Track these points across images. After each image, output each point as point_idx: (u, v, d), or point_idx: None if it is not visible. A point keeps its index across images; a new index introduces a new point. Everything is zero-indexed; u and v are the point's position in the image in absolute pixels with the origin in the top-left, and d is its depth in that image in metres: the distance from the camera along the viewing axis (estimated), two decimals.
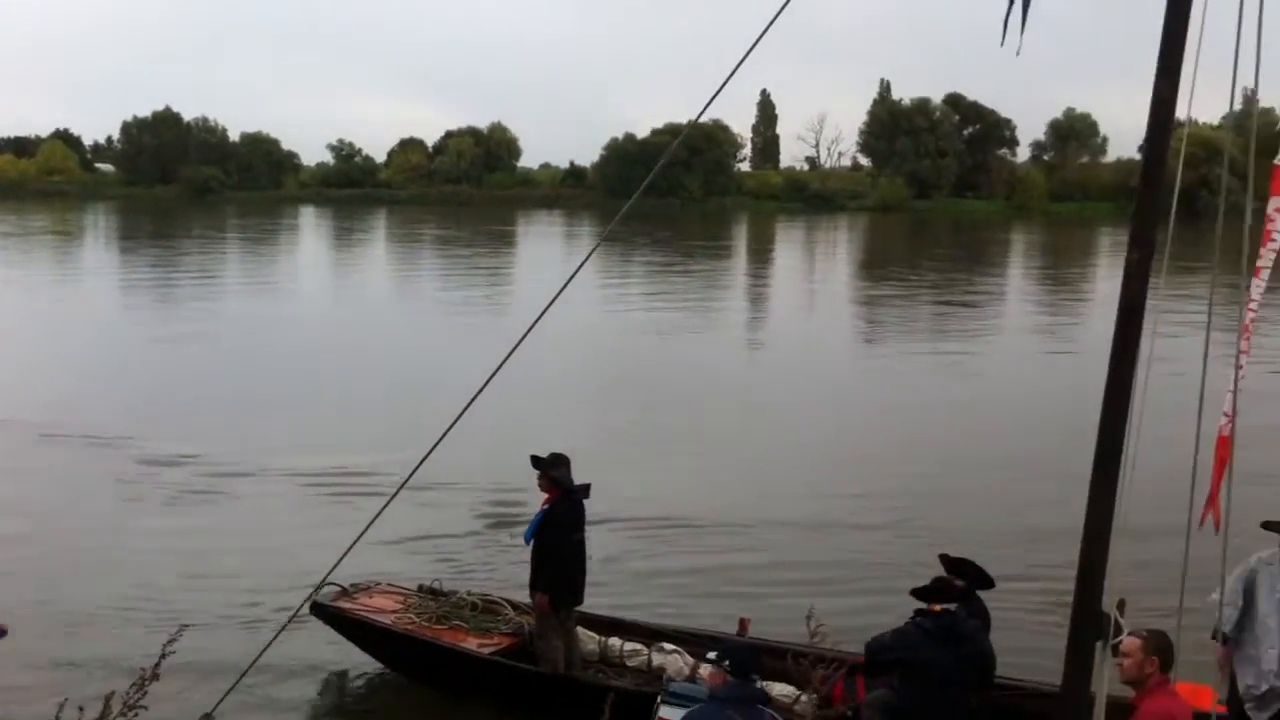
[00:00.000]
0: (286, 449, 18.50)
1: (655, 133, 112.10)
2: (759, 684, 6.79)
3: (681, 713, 6.92)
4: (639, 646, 9.94)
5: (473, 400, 5.41)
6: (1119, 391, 4.31)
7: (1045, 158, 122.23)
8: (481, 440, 15.51)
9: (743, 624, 9.97)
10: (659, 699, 7.55)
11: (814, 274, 57.65)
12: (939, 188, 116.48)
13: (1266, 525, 7.92)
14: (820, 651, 7.91)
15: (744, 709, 6.23)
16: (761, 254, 70.25)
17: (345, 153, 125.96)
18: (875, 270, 57.08)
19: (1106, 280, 46.65)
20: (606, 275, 46.66)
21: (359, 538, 5.97)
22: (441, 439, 5.44)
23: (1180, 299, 30.51)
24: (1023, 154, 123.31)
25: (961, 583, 8.12)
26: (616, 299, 39.67)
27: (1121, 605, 5.01)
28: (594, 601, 10.54)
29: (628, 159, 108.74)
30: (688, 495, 16.35)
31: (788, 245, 78.46)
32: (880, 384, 26.08)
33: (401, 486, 5.82)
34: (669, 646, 9.81)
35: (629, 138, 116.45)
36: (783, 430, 20.87)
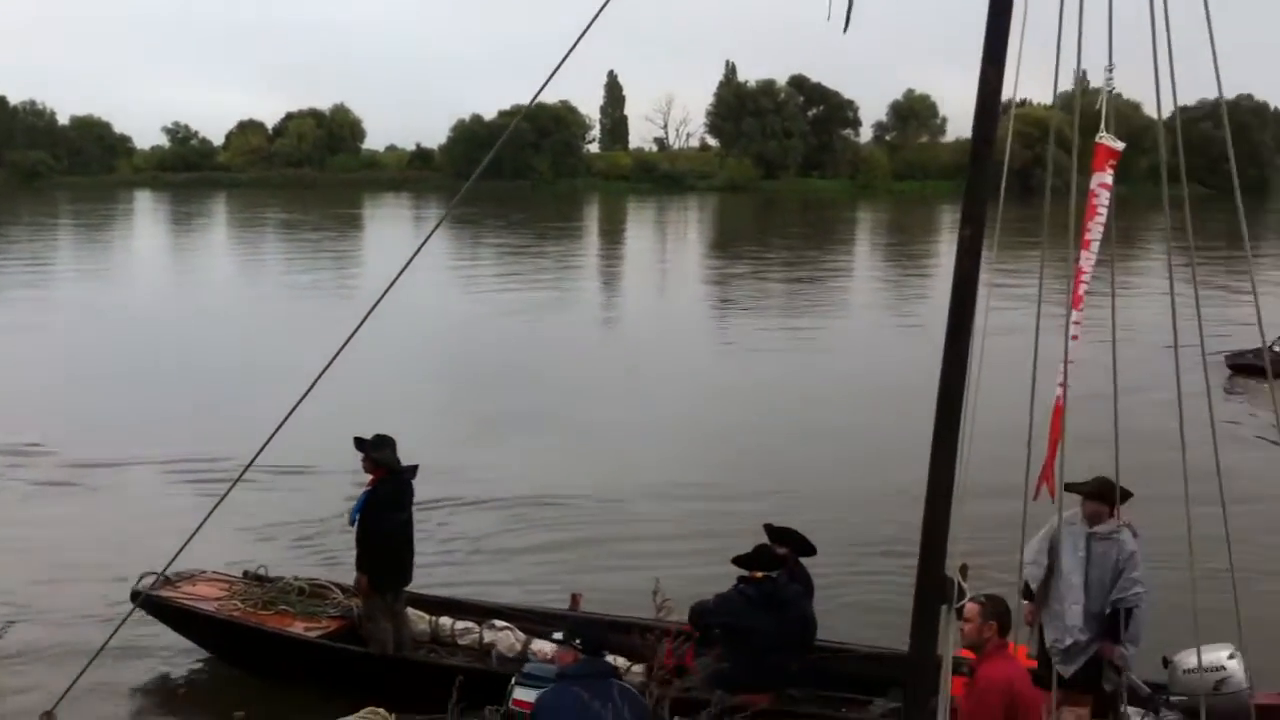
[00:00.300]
0: (132, 438, 17.84)
1: (503, 114, 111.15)
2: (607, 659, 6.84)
3: (536, 694, 6.93)
4: (470, 625, 9.90)
5: (313, 385, 5.30)
6: (955, 363, 4.41)
7: (887, 138, 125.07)
8: (334, 424, 15.47)
9: (574, 599, 10.11)
10: (514, 680, 7.52)
11: (666, 253, 58.08)
12: (785, 168, 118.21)
13: (1069, 487, 8.14)
14: (666, 625, 7.99)
15: (594, 685, 6.25)
16: (614, 234, 70.41)
17: (181, 135, 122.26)
18: (727, 249, 57.68)
19: (949, 256, 47.99)
20: (458, 258, 46.21)
21: (196, 530, 5.81)
22: (281, 426, 5.32)
23: (1022, 274, 31.50)
24: (866, 134, 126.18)
25: (784, 550, 8.34)
26: (469, 282, 39.36)
27: (964, 570, 5.14)
28: (436, 580, 10.48)
29: (475, 141, 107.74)
30: (538, 474, 16.36)
31: (639, 225, 78.80)
32: (733, 361, 26.43)
33: (239, 477, 5.70)
34: (500, 624, 9.82)
35: (476, 119, 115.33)
36: (636, 408, 20.96)
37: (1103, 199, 4.58)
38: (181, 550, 6.27)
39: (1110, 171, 4.59)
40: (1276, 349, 23.70)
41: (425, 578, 10.39)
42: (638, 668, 8.85)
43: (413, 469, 9.81)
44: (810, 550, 8.53)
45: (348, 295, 34.55)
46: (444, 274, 38.48)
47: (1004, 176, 4.75)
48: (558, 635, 6.80)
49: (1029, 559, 8.17)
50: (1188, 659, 7.91)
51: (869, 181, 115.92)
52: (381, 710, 7.70)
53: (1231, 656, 7.83)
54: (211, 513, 5.89)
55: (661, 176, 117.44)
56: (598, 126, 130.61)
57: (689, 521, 14.54)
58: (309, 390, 5.36)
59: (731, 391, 22.53)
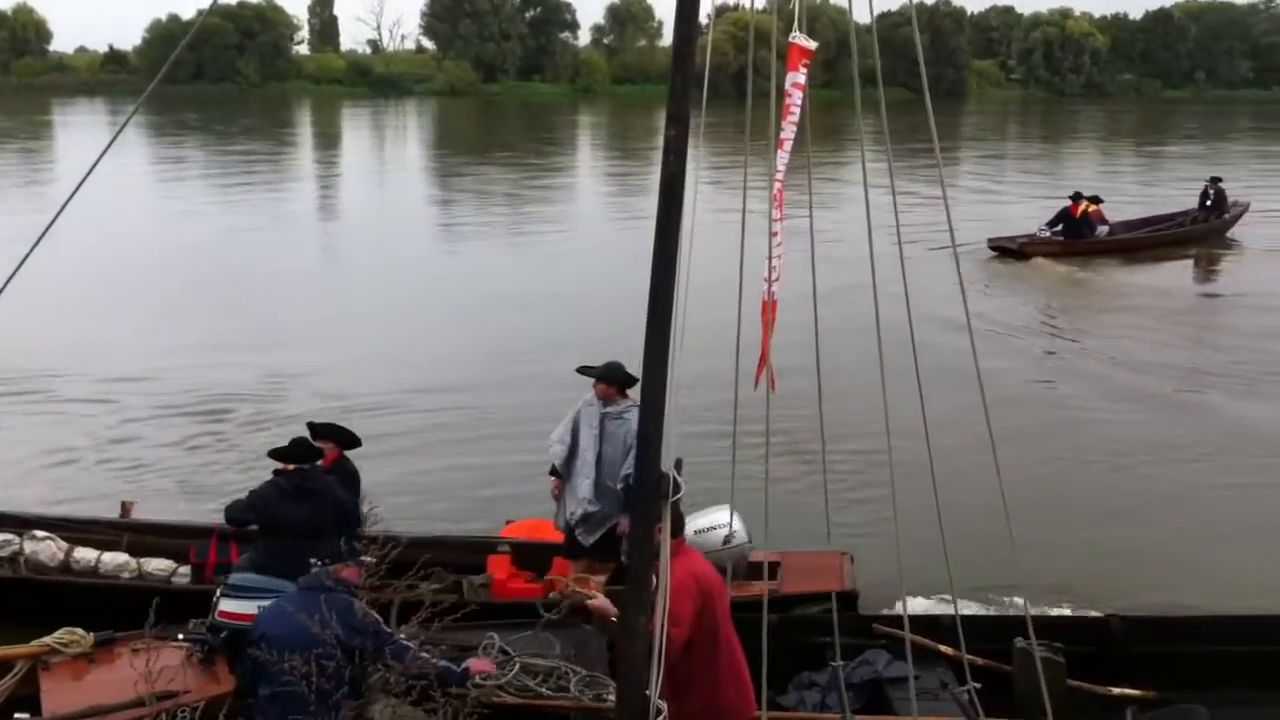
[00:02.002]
0: None
1: (202, 14, 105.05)
2: None
3: (243, 604, 7.01)
4: (10, 536, 9.58)
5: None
6: (665, 260, 4.48)
7: (606, 41, 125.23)
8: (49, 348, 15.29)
9: (125, 507, 10.22)
10: (219, 592, 7.38)
11: (386, 160, 56.60)
12: (505, 71, 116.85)
13: (581, 370, 9.15)
14: (375, 535, 8.02)
15: (301, 598, 6.38)
16: (329, 140, 68.06)
17: None
18: (449, 155, 56.75)
19: None
20: (162, 168, 43.80)
21: None
22: None
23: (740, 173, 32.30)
24: (585, 38, 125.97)
25: (329, 444, 8.65)
26: (179, 196, 37.37)
27: (679, 464, 5.31)
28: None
29: (174, 42, 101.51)
30: (239, 386, 16.27)
31: (356, 131, 76.44)
32: (466, 270, 26.19)
33: None
34: (41, 534, 9.60)
35: (174, 19, 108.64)
36: (358, 322, 20.59)
37: (795, 99, 4.69)
38: None
39: (803, 71, 4.70)
40: (1041, 234, 26.71)
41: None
42: (184, 569, 9.29)
43: None
44: (355, 442, 8.87)
45: (38, 210, 32.32)
46: (154, 189, 36.43)
47: (705, 77, 4.82)
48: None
49: (555, 439, 9.07)
50: (697, 520, 8.61)
51: (589, 85, 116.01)
52: (79, 630, 7.44)
53: (731, 516, 8.57)
54: None
55: (377, 80, 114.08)
56: (306, 27, 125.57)
57: (410, 428, 14.54)
58: None
59: (465, 304, 22.41)
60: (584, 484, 8.90)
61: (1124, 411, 15.89)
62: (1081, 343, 19.94)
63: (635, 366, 4.50)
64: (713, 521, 8.70)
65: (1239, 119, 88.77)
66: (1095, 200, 28.25)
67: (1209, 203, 29.92)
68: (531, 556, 9.61)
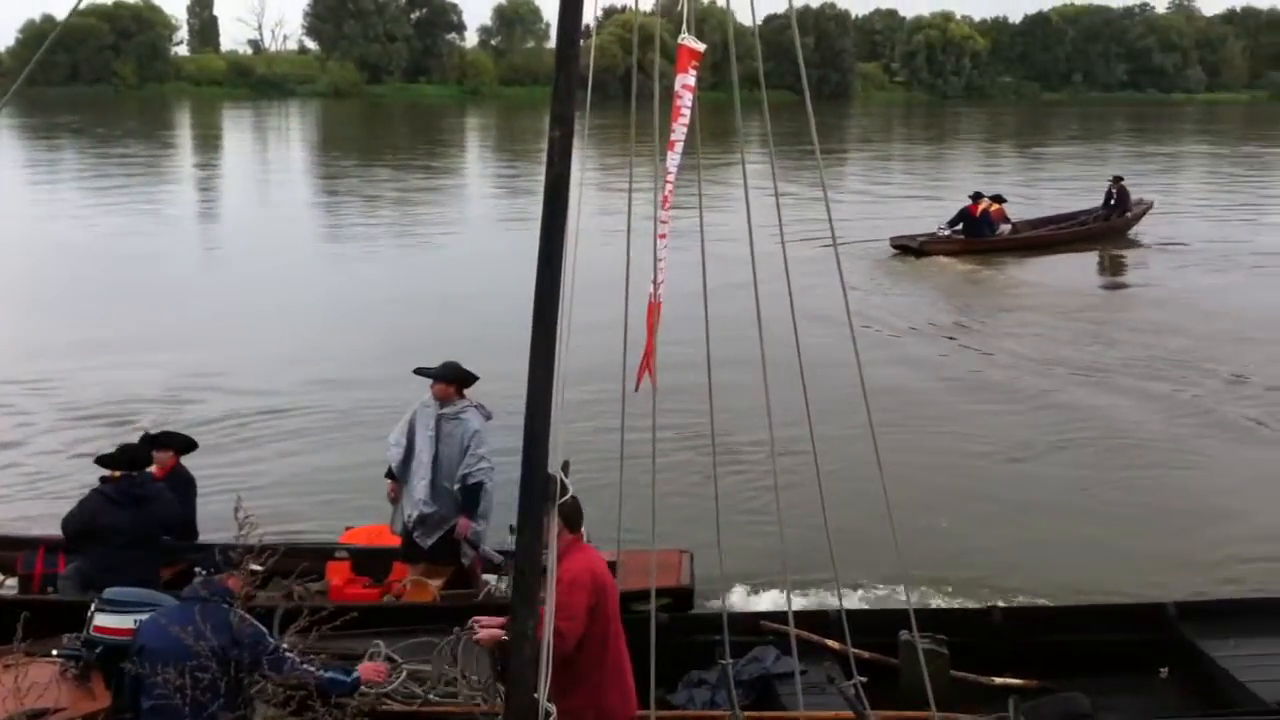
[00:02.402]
0: None
1: (77, 14, 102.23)
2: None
3: (119, 619, 6.78)
4: None
5: None
6: (551, 262, 4.46)
7: (493, 43, 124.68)
8: None
9: None
10: (93, 607, 7.19)
11: (270, 162, 55.63)
12: (391, 73, 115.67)
13: (418, 371, 9.16)
14: (248, 544, 7.84)
15: (178, 610, 6.24)
16: (210, 142, 66.69)
17: None
18: (335, 157, 55.95)
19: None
20: (36, 171, 42.53)
21: None
22: None
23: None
24: (471, 39, 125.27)
25: (169, 453, 8.70)
26: (53, 200, 36.33)
27: (566, 467, 5.28)
28: None
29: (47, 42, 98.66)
30: (138, 390, 15.89)
31: (238, 133, 75.00)
32: (348, 271, 25.84)
33: None
34: None
35: (48, 19, 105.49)
36: (236, 324, 20.21)
37: (686, 100, 4.71)
38: None
39: (693, 73, 4.72)
40: (941, 233, 27.39)
41: None
42: (11, 581, 9.07)
43: None
44: (192, 445, 8.87)
45: None
46: (28, 193, 35.36)
47: (590, 78, 4.82)
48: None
49: (392, 441, 9.05)
50: None
51: (476, 87, 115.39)
52: None
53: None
54: None
55: (259, 81, 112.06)
56: (185, 28, 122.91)
57: (286, 440, 14.35)
58: None
59: (346, 304, 22.11)
60: (420, 485, 8.84)
61: (1009, 406, 16.22)
62: (971, 339, 20.35)
63: (522, 368, 4.47)
64: None
65: (1115, 120, 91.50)
66: (998, 200, 28.75)
67: (1112, 201, 30.56)
68: (370, 562, 9.51)
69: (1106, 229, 30.12)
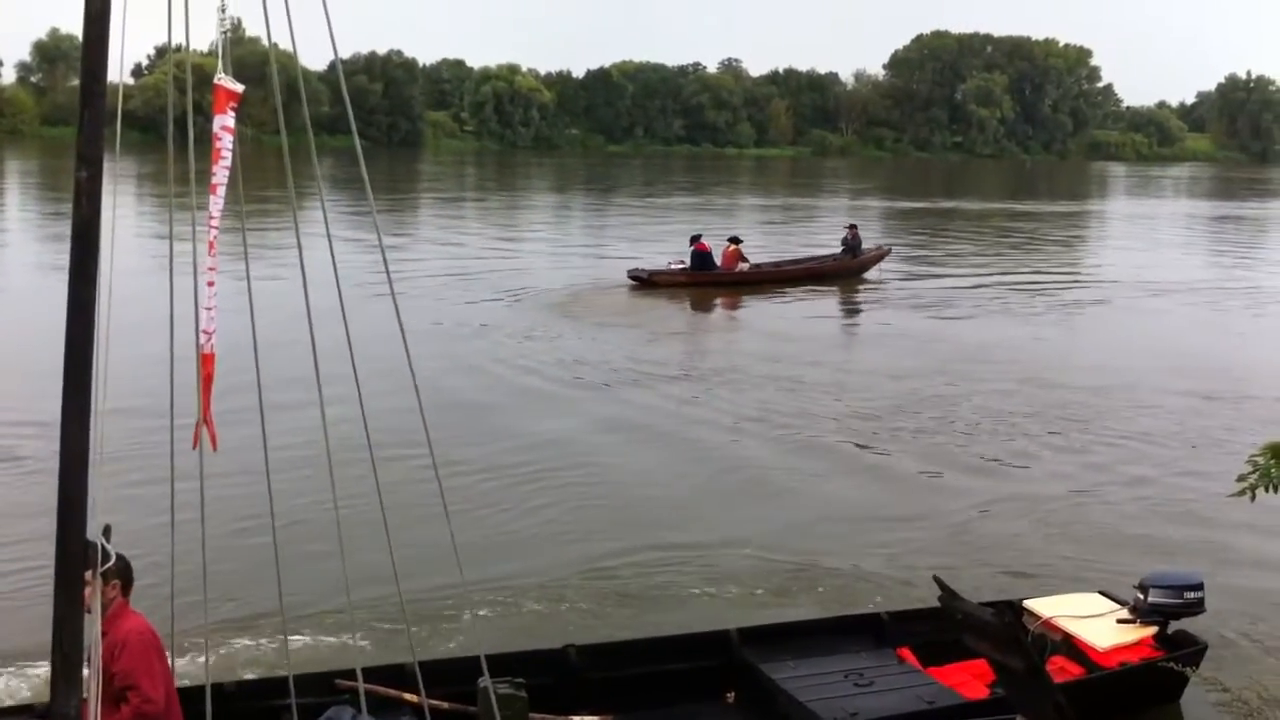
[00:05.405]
0: None
1: None
2: None
3: None
4: None
5: None
6: (81, 312, 4.15)
7: (34, 80, 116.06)
8: None
9: None
10: None
11: None
12: None
13: None
14: None
15: None
16: None
17: None
18: None
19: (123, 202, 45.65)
20: None
21: None
22: None
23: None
24: (9, 75, 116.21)
25: None
26: None
27: (107, 531, 4.93)
28: None
29: None
30: None
31: None
32: None
33: None
34: None
35: None
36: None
37: (225, 141, 4.53)
38: None
39: (231, 114, 4.55)
40: (671, 266, 30.10)
41: None
42: None
43: None
44: None
45: None
46: None
47: (119, 117, 4.57)
48: None
49: None
50: None
51: (15, 127, 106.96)
52: None
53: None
54: None
55: None
56: None
57: None
58: None
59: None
60: None
61: (627, 443, 16.30)
62: (633, 373, 20.87)
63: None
64: None
65: (675, 172, 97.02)
66: (735, 240, 31.79)
67: (846, 245, 33.90)
68: None
69: (837, 268, 33.30)
